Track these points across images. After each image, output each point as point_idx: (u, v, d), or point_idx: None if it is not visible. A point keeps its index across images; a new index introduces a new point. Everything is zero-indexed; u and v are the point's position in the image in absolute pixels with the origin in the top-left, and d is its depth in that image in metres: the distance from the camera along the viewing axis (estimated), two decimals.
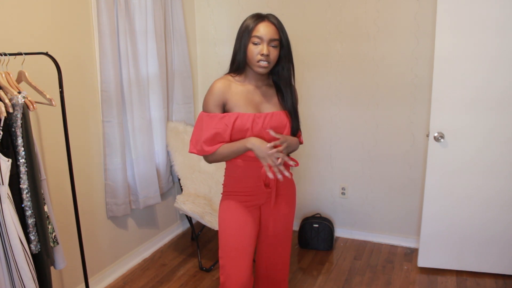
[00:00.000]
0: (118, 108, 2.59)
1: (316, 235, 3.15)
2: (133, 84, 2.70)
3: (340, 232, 3.38)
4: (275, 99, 1.82)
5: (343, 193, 3.31)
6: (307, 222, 3.19)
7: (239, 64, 1.76)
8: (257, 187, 1.81)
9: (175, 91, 3.22)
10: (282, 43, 1.75)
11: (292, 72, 1.82)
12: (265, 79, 1.83)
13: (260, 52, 1.69)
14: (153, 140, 2.98)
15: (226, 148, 1.74)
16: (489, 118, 2.52)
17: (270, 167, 1.67)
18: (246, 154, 1.74)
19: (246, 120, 1.71)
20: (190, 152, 1.81)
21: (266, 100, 1.80)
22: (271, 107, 1.80)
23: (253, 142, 1.69)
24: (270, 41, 1.70)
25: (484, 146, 2.56)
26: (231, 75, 1.80)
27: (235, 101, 1.74)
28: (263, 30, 1.69)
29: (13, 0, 2.01)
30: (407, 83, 2.95)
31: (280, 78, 1.81)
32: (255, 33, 1.69)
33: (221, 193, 1.92)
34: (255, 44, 1.70)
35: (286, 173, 1.68)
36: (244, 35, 1.72)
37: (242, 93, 1.76)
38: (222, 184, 1.91)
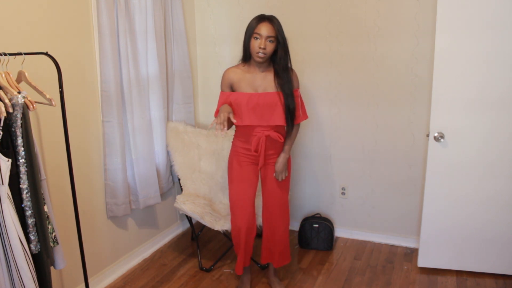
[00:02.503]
0: (118, 108, 2.59)
1: (316, 235, 3.15)
2: (133, 84, 2.70)
3: (340, 232, 3.38)
4: (273, 83, 2.34)
5: (343, 193, 3.31)
6: (307, 222, 3.19)
7: (245, 54, 2.36)
8: (249, 150, 2.42)
9: (175, 91, 3.22)
10: (279, 39, 2.26)
11: (288, 61, 2.35)
12: (266, 66, 2.36)
13: (259, 45, 2.24)
14: (153, 140, 2.98)
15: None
16: (489, 118, 2.52)
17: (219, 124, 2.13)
18: (241, 125, 2.38)
19: (242, 98, 2.33)
20: None
21: (265, 83, 2.35)
22: (268, 89, 2.35)
23: (221, 108, 2.27)
24: (268, 37, 2.23)
25: (484, 146, 2.56)
26: (241, 64, 2.41)
27: (238, 83, 2.37)
28: (262, 28, 2.23)
29: (13, 0, 2.01)
30: (407, 83, 2.95)
31: (278, 66, 2.32)
32: (256, 30, 2.24)
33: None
34: (256, 39, 2.25)
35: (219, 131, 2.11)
36: (249, 32, 2.28)
37: (245, 78, 2.36)
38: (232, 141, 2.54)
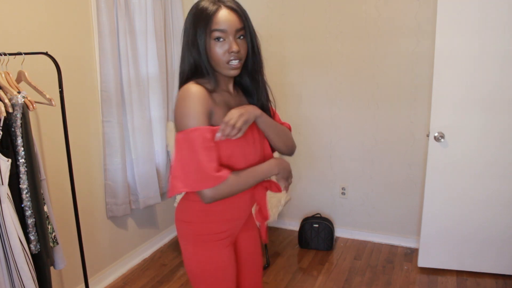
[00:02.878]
0: (118, 108, 2.59)
1: (316, 235, 3.15)
2: (133, 84, 2.70)
3: (340, 232, 3.37)
4: (246, 102, 1.47)
5: (343, 193, 3.31)
6: (307, 222, 3.18)
7: (206, 70, 1.33)
8: (240, 221, 1.49)
9: (175, 91, 3.22)
10: (247, 32, 1.35)
11: (262, 64, 1.44)
12: (231, 81, 1.43)
13: (229, 49, 1.29)
14: (153, 140, 2.98)
15: (247, 175, 1.34)
16: (489, 118, 2.52)
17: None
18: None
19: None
20: (180, 191, 1.28)
21: (242, 103, 1.44)
22: None
23: (279, 166, 1.42)
24: (236, 32, 1.31)
25: (485, 146, 2.56)
26: (198, 82, 1.32)
27: (221, 113, 1.33)
28: (225, 20, 1.28)
29: (13, 0, 2.01)
30: (407, 83, 2.94)
31: (250, 74, 1.42)
32: (215, 26, 1.28)
33: (184, 237, 1.46)
34: (218, 40, 1.29)
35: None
36: (199, 32, 1.29)
37: (222, 103, 1.36)
38: (184, 224, 1.44)
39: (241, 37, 1.33)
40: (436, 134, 2.60)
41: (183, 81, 1.36)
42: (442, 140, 2.59)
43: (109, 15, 2.45)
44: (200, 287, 1.46)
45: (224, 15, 1.28)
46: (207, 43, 1.29)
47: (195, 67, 1.34)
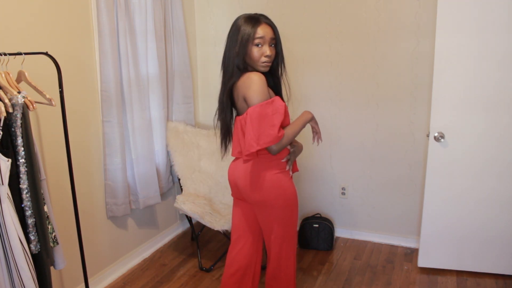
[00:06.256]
0: (118, 108, 2.59)
1: (316, 235, 3.15)
2: (133, 84, 2.70)
3: (340, 232, 3.37)
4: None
5: (343, 193, 3.31)
6: (307, 222, 3.18)
7: (241, 64, 1.88)
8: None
9: (175, 91, 3.22)
10: (277, 41, 1.92)
11: (283, 67, 2.00)
12: None
13: (264, 53, 1.85)
14: (153, 140, 2.98)
15: (292, 128, 1.91)
16: (489, 118, 2.52)
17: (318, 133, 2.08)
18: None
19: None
20: (253, 151, 1.79)
21: None
22: None
23: (311, 113, 2.03)
24: (271, 40, 1.87)
25: (485, 146, 2.56)
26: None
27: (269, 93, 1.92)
28: (263, 32, 1.84)
29: (13, 0, 2.01)
30: (407, 83, 2.94)
31: (276, 70, 1.98)
32: (257, 35, 1.84)
33: (274, 173, 1.97)
34: (258, 46, 1.85)
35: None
36: (245, 38, 1.84)
37: None
38: (271, 172, 1.97)
39: (272, 45, 1.88)
40: (436, 134, 2.60)
41: (239, 72, 1.88)
42: (442, 140, 2.59)
43: (109, 15, 2.46)
44: (294, 210, 2.07)
45: (263, 28, 1.85)
46: (249, 48, 1.85)
47: (238, 62, 1.87)
